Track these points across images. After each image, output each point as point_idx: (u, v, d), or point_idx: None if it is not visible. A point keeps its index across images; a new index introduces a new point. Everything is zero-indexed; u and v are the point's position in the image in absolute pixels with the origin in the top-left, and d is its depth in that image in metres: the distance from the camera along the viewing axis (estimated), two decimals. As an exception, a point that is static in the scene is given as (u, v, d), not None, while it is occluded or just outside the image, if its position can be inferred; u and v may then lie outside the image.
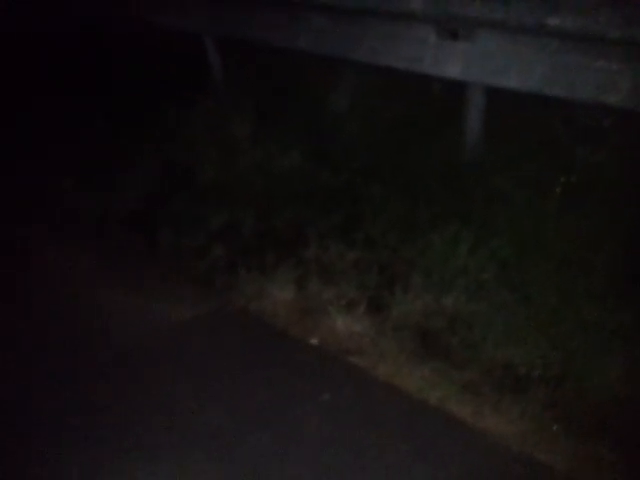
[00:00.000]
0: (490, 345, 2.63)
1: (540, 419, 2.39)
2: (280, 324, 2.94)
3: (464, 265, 2.92)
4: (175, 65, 4.56)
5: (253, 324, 2.97)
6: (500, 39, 3.17)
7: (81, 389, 2.63)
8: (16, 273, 3.45)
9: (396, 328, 2.81)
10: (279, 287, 3.07)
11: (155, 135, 4.14)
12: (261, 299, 3.06)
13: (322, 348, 2.80)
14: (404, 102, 3.70)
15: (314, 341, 2.83)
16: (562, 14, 2.91)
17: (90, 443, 2.37)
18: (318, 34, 3.84)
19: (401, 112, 3.67)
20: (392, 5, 3.45)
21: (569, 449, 2.28)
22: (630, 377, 2.42)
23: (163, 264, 3.40)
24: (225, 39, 4.43)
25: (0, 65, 4.90)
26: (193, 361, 2.76)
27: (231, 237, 3.46)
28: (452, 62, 3.34)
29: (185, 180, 3.87)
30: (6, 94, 4.69)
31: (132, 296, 3.17)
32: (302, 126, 3.86)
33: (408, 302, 2.87)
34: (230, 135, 3.95)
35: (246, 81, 4.20)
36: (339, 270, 3.10)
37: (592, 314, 2.60)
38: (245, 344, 2.86)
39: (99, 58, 4.97)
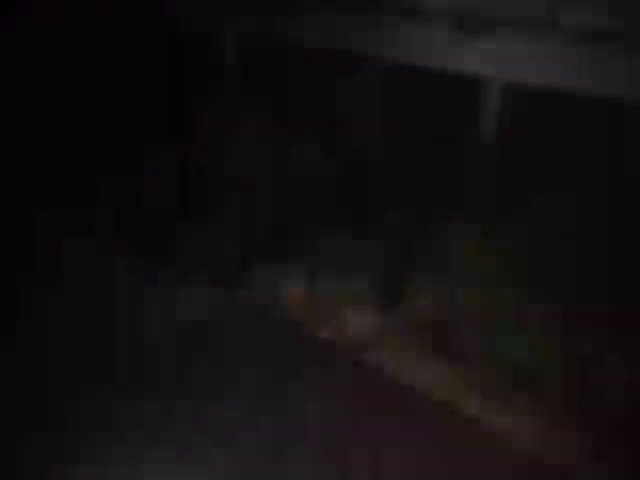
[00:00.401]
0: (501, 341, 2.63)
1: (549, 415, 2.39)
2: (291, 318, 2.98)
3: (475, 260, 2.91)
4: (192, 61, 4.58)
5: (265, 318, 3.01)
6: (517, 35, 3.15)
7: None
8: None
9: (406, 323, 2.83)
10: (291, 281, 3.10)
11: (172, 131, 4.18)
12: (273, 293, 3.09)
13: (332, 342, 2.83)
14: (421, 96, 3.68)
15: (324, 335, 2.86)
16: (578, 11, 2.89)
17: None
18: (332, 30, 3.85)
19: (417, 106, 3.66)
20: (411, 1, 3.45)
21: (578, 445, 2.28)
22: None
23: (179, 258, 3.45)
24: (240, 38, 4.44)
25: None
26: (206, 354, 2.81)
27: (245, 230, 3.50)
28: (470, 58, 3.34)
29: (202, 174, 3.90)
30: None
31: (153, 291, 3.23)
32: (317, 123, 3.87)
33: (419, 297, 2.88)
34: (245, 130, 3.97)
35: (261, 79, 4.21)
36: (350, 264, 3.12)
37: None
38: (256, 338, 2.90)
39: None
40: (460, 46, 3.38)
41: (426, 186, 3.27)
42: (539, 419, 2.41)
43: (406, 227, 3.15)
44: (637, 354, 2.45)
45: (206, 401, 2.55)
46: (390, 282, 3.00)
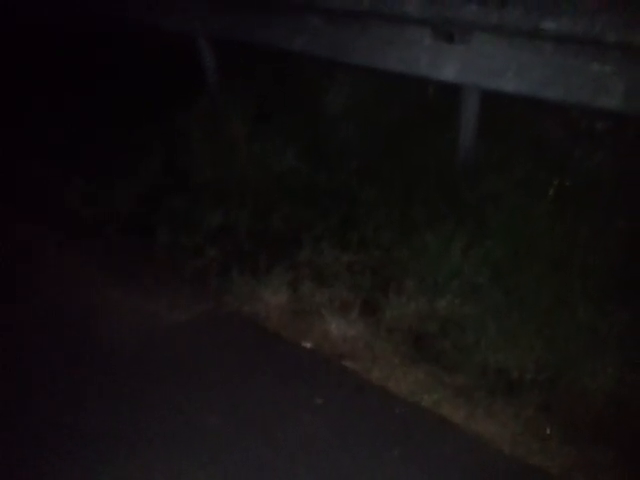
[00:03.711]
0: (483, 348, 2.63)
1: (533, 422, 2.39)
2: (273, 327, 2.94)
3: (458, 267, 2.91)
4: (171, 65, 4.55)
5: (246, 327, 2.96)
6: (496, 42, 3.17)
7: (72, 390, 2.64)
8: (12, 271, 3.45)
9: (390, 331, 2.81)
10: (273, 289, 3.06)
11: (151, 136, 4.13)
12: (255, 301, 3.05)
13: (315, 351, 2.79)
14: (399, 104, 3.69)
15: (307, 344, 2.83)
16: (558, 18, 2.91)
17: (79, 443, 2.38)
18: (314, 36, 3.83)
19: (396, 114, 3.67)
20: (388, 8, 3.44)
21: (562, 452, 2.28)
22: (625, 379, 2.42)
23: (158, 265, 3.39)
24: (219, 40, 4.42)
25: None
26: (186, 363, 2.76)
27: (226, 238, 3.46)
28: (448, 65, 3.33)
29: (181, 180, 3.86)
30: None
31: (127, 297, 3.17)
32: (298, 127, 3.85)
33: (402, 305, 2.87)
34: (226, 135, 3.94)
35: (242, 81, 4.18)
36: (333, 272, 3.10)
37: (587, 317, 2.60)
38: (238, 347, 2.85)
39: (94, 58, 4.96)
40: (439, 53, 3.38)
41: (408, 190, 3.26)
42: (523, 424, 2.40)
43: (389, 231, 3.14)
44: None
45: (182, 412, 2.50)
46: (374, 288, 2.97)
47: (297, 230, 3.37)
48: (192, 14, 4.46)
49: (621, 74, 2.83)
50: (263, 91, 4.16)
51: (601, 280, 2.71)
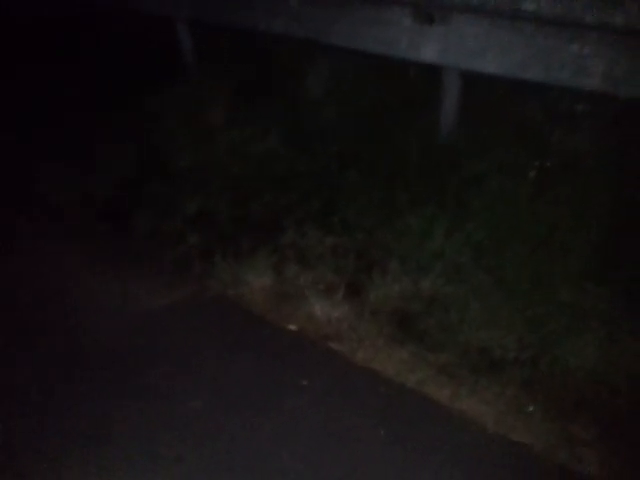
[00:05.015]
0: (467, 328, 2.66)
1: (516, 400, 2.42)
2: (258, 310, 2.93)
3: (440, 249, 2.93)
4: (146, 49, 4.49)
5: (231, 311, 2.96)
6: (476, 23, 3.17)
7: (50, 376, 2.61)
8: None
9: (374, 312, 2.82)
10: (256, 273, 3.05)
11: (128, 120, 4.08)
12: (238, 285, 3.04)
13: (300, 333, 2.80)
14: (380, 86, 3.68)
15: (292, 327, 2.83)
16: (538, -1, 2.92)
17: (57, 429, 2.36)
18: (293, 17, 3.80)
19: (377, 96, 3.66)
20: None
21: (545, 429, 2.32)
22: (606, 358, 2.46)
23: (139, 250, 3.37)
24: (197, 22, 4.36)
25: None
26: (170, 348, 2.75)
27: (207, 223, 3.43)
28: (428, 46, 3.33)
29: (160, 165, 3.82)
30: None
31: (107, 282, 3.14)
32: (277, 111, 3.83)
33: (386, 286, 2.88)
34: (204, 119, 3.90)
35: (220, 65, 4.14)
36: (317, 255, 3.09)
37: (568, 296, 2.64)
38: (223, 331, 2.84)
39: (67, 41, 4.87)
40: (419, 34, 3.37)
41: (390, 173, 3.27)
42: (506, 402, 2.43)
43: (371, 214, 3.14)
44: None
45: (165, 397, 2.49)
46: (358, 270, 2.98)
47: (279, 214, 3.35)
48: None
49: (600, 55, 2.85)
50: (242, 75, 4.12)
51: (581, 259, 2.75)
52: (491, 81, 3.21)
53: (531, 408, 2.39)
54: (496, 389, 2.47)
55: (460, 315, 2.71)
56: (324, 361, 2.65)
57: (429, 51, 3.34)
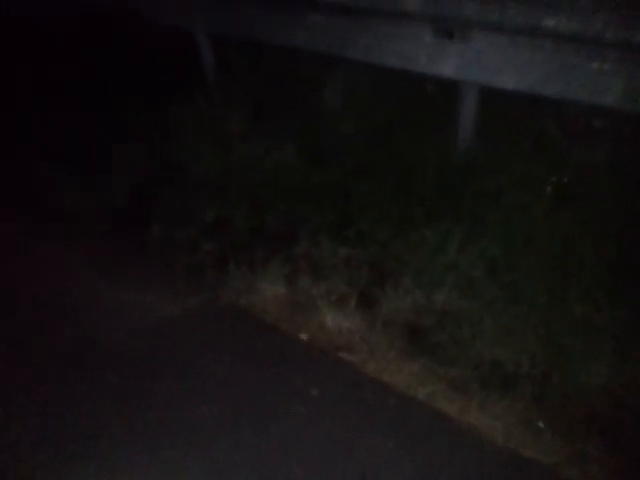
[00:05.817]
0: (479, 342, 2.64)
1: (526, 416, 2.40)
2: (270, 319, 2.94)
3: (454, 262, 2.92)
4: (168, 61, 4.54)
5: (243, 319, 2.96)
6: (495, 40, 3.18)
7: (65, 382, 2.63)
8: (4, 268, 3.43)
9: (386, 324, 2.82)
10: (270, 282, 3.06)
11: (148, 130, 4.13)
12: (251, 294, 3.05)
13: (312, 343, 2.79)
14: (398, 100, 3.70)
15: (304, 336, 2.83)
16: (558, 16, 2.92)
17: (68, 434, 2.37)
18: (313, 31, 3.84)
19: (394, 110, 3.67)
20: (388, 4, 3.45)
21: (555, 445, 2.29)
22: (619, 375, 2.43)
23: (154, 258, 3.39)
24: (219, 36, 4.42)
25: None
26: (183, 356, 2.76)
27: (222, 232, 3.45)
28: (447, 62, 3.35)
29: (178, 175, 3.85)
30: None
31: (121, 289, 3.16)
32: (295, 123, 3.85)
33: (398, 299, 2.87)
34: (223, 130, 3.94)
35: (239, 77, 4.19)
36: (330, 266, 3.10)
37: (582, 312, 2.61)
38: (234, 338, 2.85)
39: (92, 52, 4.95)
40: (439, 50, 3.39)
41: (406, 186, 3.27)
42: (516, 418, 2.41)
43: (386, 226, 3.14)
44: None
45: (176, 404, 2.49)
46: (371, 282, 2.97)
47: (293, 225, 3.36)
48: (192, 10, 4.47)
49: (620, 72, 2.85)
50: (261, 87, 4.16)
51: (597, 276, 2.72)
52: (508, 96, 3.21)
53: (541, 423, 2.36)
54: (507, 404, 2.45)
55: (472, 330, 2.69)
56: (335, 371, 2.65)
57: (448, 66, 3.36)
